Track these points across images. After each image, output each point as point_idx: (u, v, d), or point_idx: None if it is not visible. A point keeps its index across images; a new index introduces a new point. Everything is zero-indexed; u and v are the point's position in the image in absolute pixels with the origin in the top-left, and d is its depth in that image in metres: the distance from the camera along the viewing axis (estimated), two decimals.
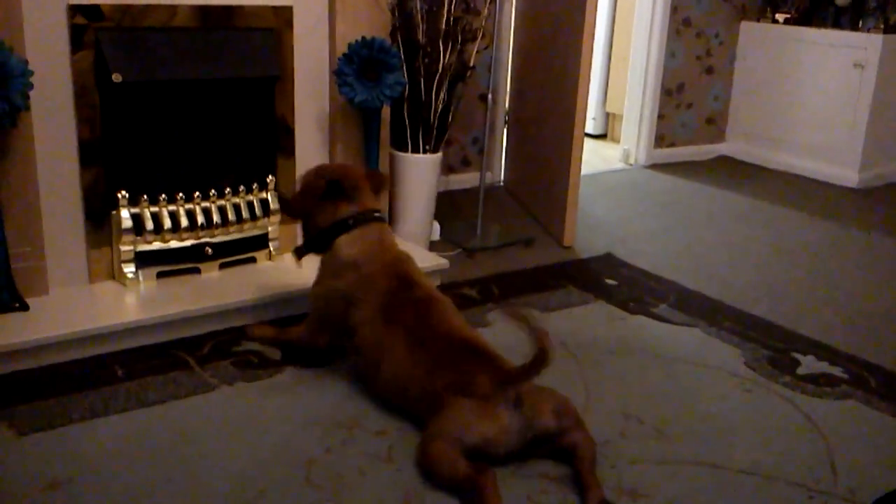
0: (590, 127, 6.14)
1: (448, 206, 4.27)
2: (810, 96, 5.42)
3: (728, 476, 2.19)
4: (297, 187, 2.67)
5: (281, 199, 2.83)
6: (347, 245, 2.51)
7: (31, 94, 2.55)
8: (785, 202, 4.89)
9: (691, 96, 5.72)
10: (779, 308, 3.32)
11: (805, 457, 2.29)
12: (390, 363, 2.35)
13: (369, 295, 2.44)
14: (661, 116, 5.61)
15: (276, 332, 2.70)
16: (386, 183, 2.73)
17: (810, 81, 5.41)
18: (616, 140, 6.19)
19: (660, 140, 5.67)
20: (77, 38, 2.74)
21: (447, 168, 4.64)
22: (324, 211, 2.55)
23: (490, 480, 1.97)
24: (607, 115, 6.44)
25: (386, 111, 3.38)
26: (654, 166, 5.61)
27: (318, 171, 2.60)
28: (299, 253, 2.67)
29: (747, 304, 3.34)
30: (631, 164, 5.65)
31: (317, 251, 2.60)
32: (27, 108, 2.55)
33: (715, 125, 5.91)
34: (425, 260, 3.39)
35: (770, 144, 5.72)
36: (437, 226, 3.93)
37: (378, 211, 2.60)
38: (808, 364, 2.83)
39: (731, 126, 5.95)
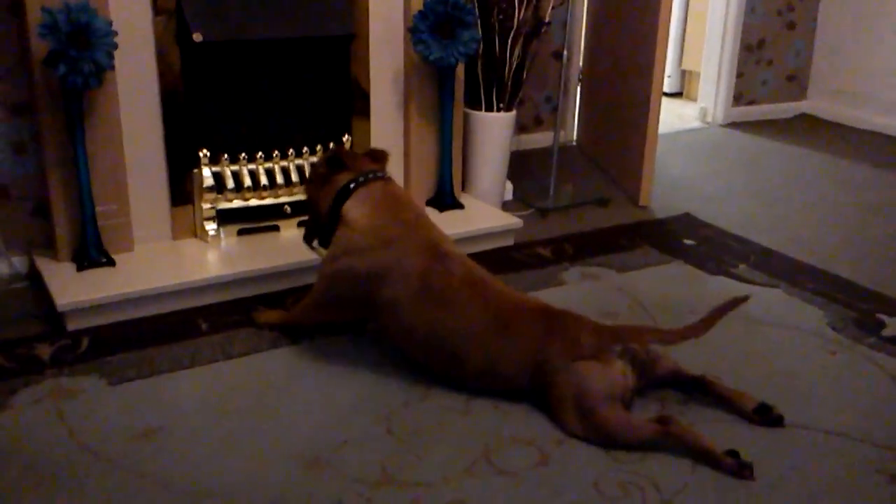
0: (665, 85, 5.98)
1: (521, 166, 4.24)
2: None
3: (812, 437, 2.15)
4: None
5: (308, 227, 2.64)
6: (354, 208, 2.38)
7: (115, 54, 2.61)
8: (868, 161, 4.73)
9: (772, 52, 5.55)
10: (863, 269, 3.23)
11: (890, 418, 2.24)
12: (462, 344, 2.24)
13: (402, 273, 2.29)
14: (739, 74, 5.46)
15: (281, 315, 2.63)
16: (386, 155, 2.56)
17: None
18: (692, 98, 6.05)
19: (738, 98, 5.53)
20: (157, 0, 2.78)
21: (519, 127, 4.60)
22: (327, 189, 2.44)
23: (677, 425, 2.05)
24: (683, 72, 6.30)
25: (460, 69, 3.36)
26: (733, 125, 5.48)
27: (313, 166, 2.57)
28: (308, 238, 2.58)
29: (830, 264, 3.26)
30: (708, 123, 5.53)
31: (327, 231, 2.47)
32: (112, 67, 2.61)
33: (796, 82, 5.74)
34: (498, 219, 3.40)
35: (853, 102, 5.53)
36: (509, 185, 3.91)
37: (377, 171, 2.46)
38: (894, 325, 2.75)
39: (812, 83, 5.77)
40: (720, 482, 1.97)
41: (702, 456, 2.02)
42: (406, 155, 3.40)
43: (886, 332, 2.71)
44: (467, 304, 2.27)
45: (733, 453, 2.00)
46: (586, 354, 2.13)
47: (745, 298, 2.21)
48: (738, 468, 1.98)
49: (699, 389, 2.29)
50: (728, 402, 2.23)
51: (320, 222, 2.50)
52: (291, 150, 3.13)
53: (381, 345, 2.55)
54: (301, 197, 3.13)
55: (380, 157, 2.54)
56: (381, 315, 2.36)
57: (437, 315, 2.27)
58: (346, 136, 3.24)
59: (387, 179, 2.47)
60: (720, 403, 2.24)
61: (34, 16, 2.54)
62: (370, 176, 2.43)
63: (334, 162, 2.45)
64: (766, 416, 2.18)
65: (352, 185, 2.40)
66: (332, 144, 3.21)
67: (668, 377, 2.29)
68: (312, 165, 2.59)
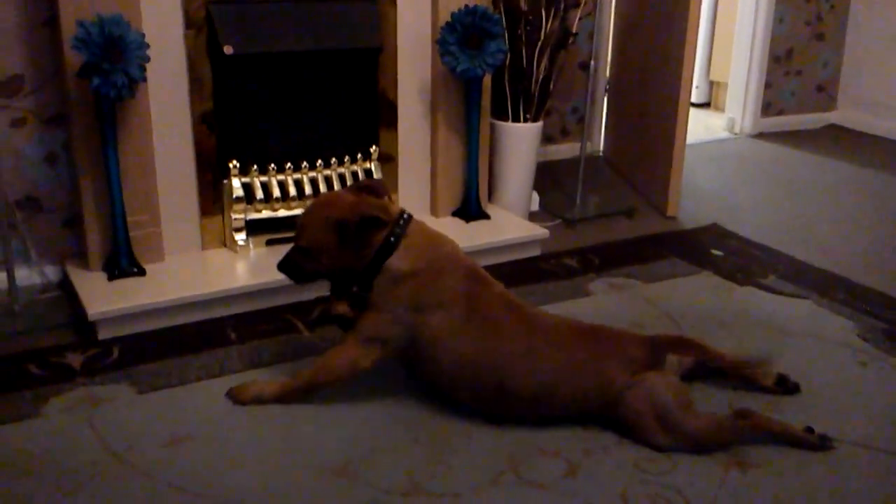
0: (693, 95, 5.97)
1: (547, 177, 4.24)
2: None
3: (841, 448, 2.13)
4: (304, 244, 2.24)
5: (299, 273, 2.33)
6: (398, 259, 2.19)
7: (148, 66, 2.64)
8: None
9: (800, 63, 5.52)
10: (893, 279, 3.20)
11: None
12: (512, 370, 2.15)
13: (448, 299, 2.19)
14: (768, 84, 5.43)
15: (281, 387, 2.31)
16: (385, 187, 2.34)
17: None
18: (719, 109, 6.03)
19: (767, 108, 5.50)
20: (190, 13, 2.81)
21: (546, 138, 4.60)
22: (363, 250, 2.19)
23: (759, 416, 2.15)
24: (711, 83, 6.27)
25: (487, 80, 3.38)
26: (761, 135, 5.45)
27: (326, 218, 2.19)
28: (339, 295, 2.33)
29: (860, 275, 3.23)
30: (736, 134, 5.50)
31: (363, 285, 2.24)
32: (144, 79, 2.64)
33: (825, 93, 5.70)
34: (524, 229, 3.40)
35: (883, 112, 5.47)
36: (536, 196, 3.91)
37: (402, 211, 2.26)
38: None
39: (841, 94, 5.72)
40: (748, 496, 1.95)
41: (786, 438, 2.13)
42: (433, 166, 3.41)
43: None
44: (513, 328, 2.19)
45: (810, 430, 2.14)
46: (643, 367, 2.14)
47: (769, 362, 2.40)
48: (820, 442, 2.12)
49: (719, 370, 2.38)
50: (750, 380, 2.38)
51: (350, 281, 2.27)
52: (320, 161, 3.15)
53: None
54: None
55: (380, 190, 2.30)
56: (427, 349, 2.19)
57: (484, 341, 2.17)
58: (374, 146, 3.25)
59: (412, 219, 2.27)
60: (742, 381, 2.39)
61: (68, 28, 2.58)
62: (401, 222, 2.22)
63: (371, 223, 2.17)
64: (784, 387, 2.36)
65: (392, 240, 2.19)
66: (359, 156, 3.22)
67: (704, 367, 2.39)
68: (318, 228, 2.20)
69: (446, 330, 2.17)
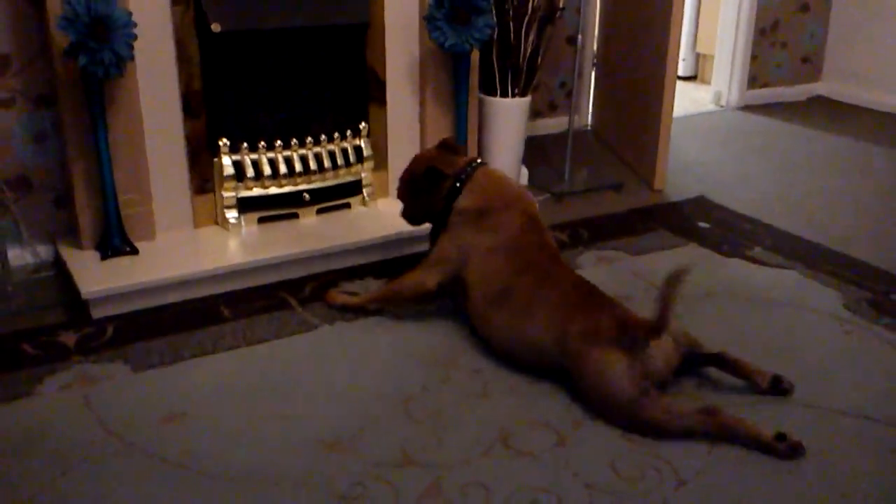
0: (679, 69, 5.98)
1: (536, 151, 4.26)
2: None
3: (827, 417, 2.17)
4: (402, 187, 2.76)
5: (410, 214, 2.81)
6: (464, 199, 2.57)
7: (135, 44, 2.64)
8: (883, 143, 4.72)
9: (786, 35, 5.53)
10: (878, 250, 3.24)
11: None
12: (514, 302, 2.38)
13: (503, 225, 2.51)
14: (754, 56, 5.45)
15: (358, 299, 2.73)
16: (455, 142, 2.82)
17: None
18: (706, 82, 6.04)
19: (753, 81, 5.52)
20: None
21: (534, 113, 4.61)
22: (435, 196, 2.62)
23: (725, 415, 2.06)
24: (697, 55, 6.28)
25: (475, 56, 3.38)
26: (747, 108, 5.47)
27: (406, 173, 2.73)
28: (417, 221, 2.79)
29: (845, 246, 3.27)
30: (722, 106, 5.52)
31: (439, 220, 2.65)
32: (132, 57, 2.64)
33: (811, 64, 5.72)
34: None
35: (869, 83, 5.50)
36: (525, 171, 3.93)
37: (471, 161, 2.66)
38: None
39: (827, 65, 5.74)
40: (736, 463, 1.99)
41: (752, 443, 2.03)
42: (422, 141, 3.42)
43: None
44: (534, 265, 2.43)
45: (781, 437, 2.01)
46: (606, 342, 2.14)
47: (684, 272, 2.09)
48: (791, 451, 2.00)
49: (716, 364, 2.32)
50: (745, 376, 2.29)
51: (432, 215, 2.69)
52: (309, 139, 3.16)
53: (400, 330, 2.58)
54: (319, 184, 3.17)
55: (454, 146, 2.75)
56: (468, 267, 2.50)
57: (506, 265, 2.44)
58: (363, 123, 3.26)
59: (482, 165, 2.66)
60: (737, 376, 2.31)
61: (54, 7, 2.57)
62: (468, 169, 2.61)
63: (433, 175, 2.60)
64: (777, 387, 2.25)
65: (458, 185, 2.59)
66: (348, 133, 3.23)
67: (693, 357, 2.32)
68: (405, 181, 2.73)
69: (485, 250, 2.48)
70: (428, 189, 2.63)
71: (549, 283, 2.36)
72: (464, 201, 2.57)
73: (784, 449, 2.00)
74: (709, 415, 2.07)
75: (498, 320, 2.39)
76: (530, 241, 2.49)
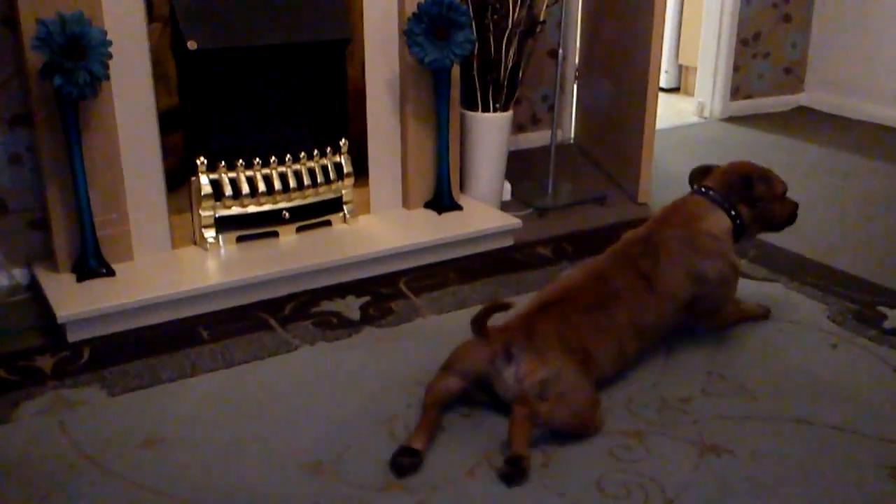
0: (662, 80, 6.00)
1: (519, 166, 4.24)
2: (894, 41, 5.20)
3: (814, 431, 2.15)
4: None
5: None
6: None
7: (111, 63, 2.61)
8: (867, 153, 4.73)
9: (768, 45, 5.55)
10: (863, 261, 3.23)
11: (892, 412, 2.24)
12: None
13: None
14: (736, 67, 5.46)
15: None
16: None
17: (894, 25, 5.19)
18: (689, 93, 6.05)
19: (736, 92, 5.53)
20: (152, 7, 2.78)
21: (517, 127, 4.60)
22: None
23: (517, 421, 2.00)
24: (680, 67, 6.30)
25: (456, 70, 3.36)
26: (731, 119, 5.48)
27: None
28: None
29: (830, 257, 3.26)
30: (706, 118, 5.53)
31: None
32: (107, 77, 2.61)
33: (793, 75, 5.74)
34: (497, 220, 3.40)
35: (851, 93, 5.52)
36: (508, 185, 3.91)
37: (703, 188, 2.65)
38: (895, 318, 2.76)
39: (810, 75, 5.76)
40: (723, 481, 1.97)
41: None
42: (403, 157, 3.40)
43: (887, 325, 2.70)
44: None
45: (514, 461, 1.95)
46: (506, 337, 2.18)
47: (505, 306, 2.14)
48: (510, 470, 1.95)
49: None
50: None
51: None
52: (289, 156, 3.13)
53: (382, 350, 2.55)
54: (299, 202, 3.14)
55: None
56: None
57: None
58: (343, 139, 3.24)
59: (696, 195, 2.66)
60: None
61: (28, 27, 2.54)
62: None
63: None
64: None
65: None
66: (328, 149, 3.21)
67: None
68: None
69: None
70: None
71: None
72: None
73: (506, 471, 1.95)
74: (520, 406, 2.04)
75: None
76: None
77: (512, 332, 2.17)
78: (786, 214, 2.71)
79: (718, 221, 2.54)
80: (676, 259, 2.42)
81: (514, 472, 1.95)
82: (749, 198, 2.58)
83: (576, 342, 2.19)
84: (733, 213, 2.56)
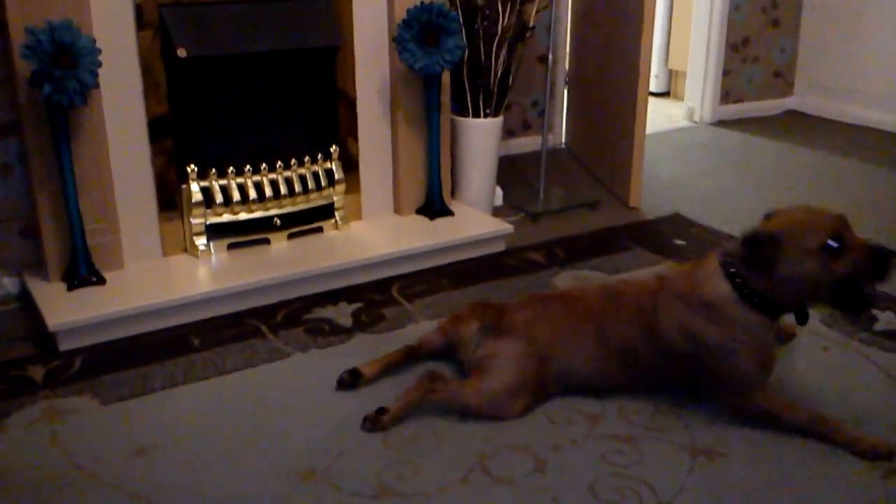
0: (652, 85, 6.02)
1: (510, 171, 4.25)
2: (882, 44, 5.23)
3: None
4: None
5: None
6: None
7: (100, 72, 2.60)
8: (856, 156, 4.75)
9: (757, 50, 5.57)
10: None
11: (883, 414, 2.24)
12: None
13: None
14: (726, 72, 5.48)
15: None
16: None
17: (883, 29, 5.22)
18: (679, 98, 6.07)
19: (725, 96, 5.55)
20: (141, 16, 2.77)
21: (507, 132, 4.61)
22: None
23: (440, 387, 2.22)
24: (670, 72, 6.31)
25: (446, 76, 3.37)
26: (720, 123, 5.50)
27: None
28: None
29: None
30: (696, 122, 5.54)
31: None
32: (97, 85, 2.60)
33: (782, 79, 5.76)
34: (488, 225, 3.40)
35: (841, 97, 5.54)
36: (499, 191, 3.91)
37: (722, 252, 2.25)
38: (886, 320, 2.76)
39: (799, 79, 5.78)
40: (716, 484, 1.97)
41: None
42: (395, 164, 3.40)
43: (878, 327, 2.71)
44: None
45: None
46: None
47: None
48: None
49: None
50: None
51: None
52: (280, 162, 3.12)
53: (374, 357, 2.55)
54: (290, 209, 3.14)
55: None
56: None
57: None
58: (334, 146, 3.23)
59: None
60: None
61: (17, 36, 2.53)
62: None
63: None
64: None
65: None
66: (319, 156, 3.20)
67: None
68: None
69: None
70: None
71: None
72: None
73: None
74: (431, 381, 2.21)
75: None
76: None
77: (496, 311, 2.37)
78: (853, 272, 2.02)
79: (716, 288, 2.17)
80: (673, 315, 2.22)
81: (370, 417, 2.18)
82: (757, 262, 2.11)
83: (542, 340, 2.27)
84: (738, 280, 2.14)
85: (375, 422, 2.16)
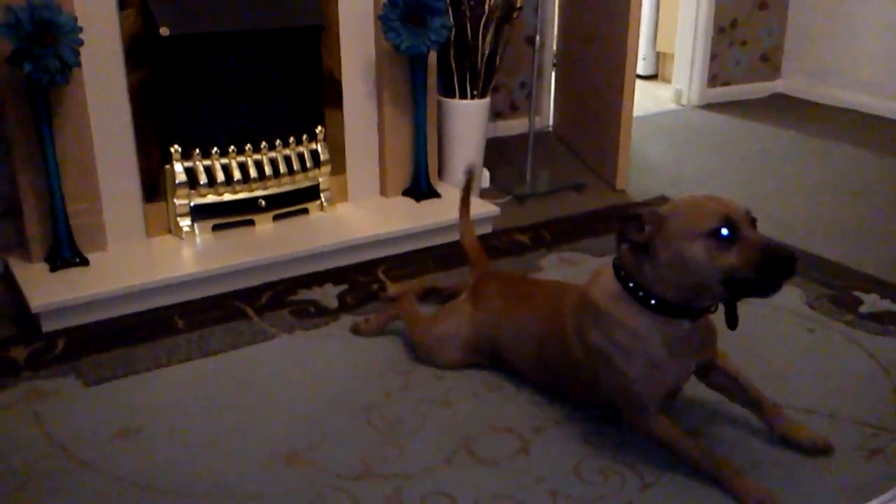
0: (640, 67, 6.01)
1: (497, 153, 4.23)
2: (869, 28, 5.24)
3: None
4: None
5: None
6: None
7: (82, 51, 2.57)
8: (843, 139, 4.76)
9: (745, 33, 5.56)
10: (840, 247, 3.25)
11: (868, 395, 2.25)
12: None
13: None
14: (713, 55, 5.47)
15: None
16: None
17: (870, 12, 5.22)
18: (667, 80, 6.06)
19: (713, 79, 5.54)
20: None
21: (494, 114, 4.59)
22: None
23: (404, 300, 2.60)
24: (657, 54, 6.30)
25: (432, 57, 3.35)
26: (708, 106, 5.50)
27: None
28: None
29: (807, 243, 3.27)
30: (683, 105, 5.54)
31: None
32: (78, 64, 2.57)
33: (770, 62, 5.76)
34: (475, 207, 3.37)
35: (827, 80, 5.55)
36: (486, 173, 3.90)
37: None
38: (871, 302, 2.77)
39: (786, 63, 5.78)
40: None
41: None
42: (381, 145, 3.38)
43: (863, 310, 2.72)
44: None
45: None
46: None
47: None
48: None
49: None
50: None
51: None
52: (264, 143, 3.10)
53: (359, 339, 2.54)
54: (275, 190, 3.11)
55: None
56: None
57: None
58: (320, 126, 3.21)
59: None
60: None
61: None
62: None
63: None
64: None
65: None
66: (304, 137, 3.18)
67: None
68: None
69: None
70: None
71: None
72: None
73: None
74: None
75: None
76: None
77: (480, 277, 2.49)
78: (742, 267, 1.77)
79: (601, 286, 2.01)
80: (573, 318, 2.09)
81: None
82: (636, 244, 1.90)
83: (493, 311, 2.34)
84: (623, 272, 1.95)
85: (356, 327, 2.56)
